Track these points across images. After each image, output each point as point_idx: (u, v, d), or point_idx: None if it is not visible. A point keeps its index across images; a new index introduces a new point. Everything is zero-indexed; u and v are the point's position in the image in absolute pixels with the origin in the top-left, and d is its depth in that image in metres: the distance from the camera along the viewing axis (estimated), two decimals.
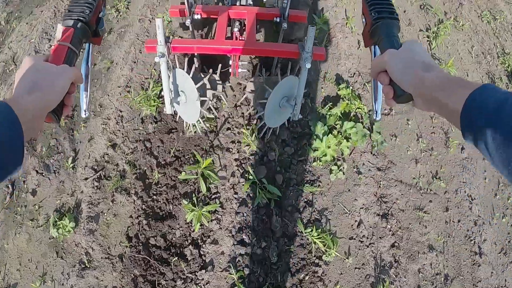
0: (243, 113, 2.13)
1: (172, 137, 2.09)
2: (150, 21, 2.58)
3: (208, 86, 1.73)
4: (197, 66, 1.81)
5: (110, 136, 2.13)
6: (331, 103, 2.24)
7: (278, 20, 1.61)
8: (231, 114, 2.15)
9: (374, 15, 0.87)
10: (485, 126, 0.51)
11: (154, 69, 2.35)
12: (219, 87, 1.79)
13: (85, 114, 0.94)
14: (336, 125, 2.13)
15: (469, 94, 0.54)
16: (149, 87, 2.23)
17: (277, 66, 1.89)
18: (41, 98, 0.61)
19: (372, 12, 0.88)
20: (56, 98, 0.65)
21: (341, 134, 2.08)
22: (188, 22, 1.58)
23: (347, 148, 2.07)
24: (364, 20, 0.95)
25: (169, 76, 1.42)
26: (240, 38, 1.74)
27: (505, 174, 0.51)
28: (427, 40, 2.87)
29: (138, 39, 2.48)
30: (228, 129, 2.10)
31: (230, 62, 1.56)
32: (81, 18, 0.84)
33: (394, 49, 0.74)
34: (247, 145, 2.01)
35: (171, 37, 1.42)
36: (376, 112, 0.97)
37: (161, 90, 2.20)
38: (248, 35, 1.50)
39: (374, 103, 0.96)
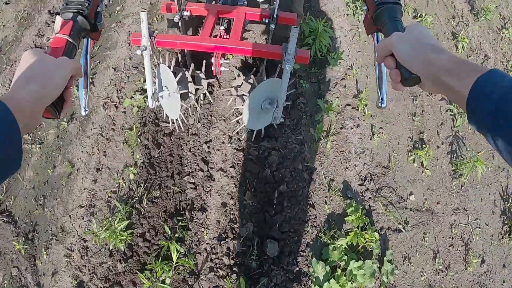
0: (228, 248, 1.72)
1: (147, 276, 1.70)
2: (117, 107, 2.03)
3: (189, 79, 1.63)
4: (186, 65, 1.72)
5: (75, 273, 1.72)
6: (335, 228, 1.81)
7: (267, 21, 1.55)
8: (214, 248, 1.73)
9: (377, 1, 0.83)
10: (490, 112, 0.47)
11: (122, 178, 1.88)
12: (204, 83, 1.72)
13: (85, 111, 0.89)
14: (340, 261, 1.72)
15: (477, 78, 0.50)
16: (116, 213, 1.76)
17: (263, 68, 1.73)
18: (38, 90, 0.57)
19: None
20: (54, 91, 0.61)
21: (345, 276, 1.69)
22: (177, 19, 1.53)
23: None
24: (366, 7, 0.89)
25: (152, 70, 1.39)
26: (225, 37, 1.67)
27: (509, 161, 0.48)
28: (451, 115, 2.33)
29: (102, 135, 1.96)
30: (211, 270, 1.70)
31: (212, 60, 1.50)
32: (80, 11, 0.81)
33: (400, 32, 0.70)
34: None
35: (155, 31, 1.35)
36: (382, 99, 0.91)
37: (130, 220, 1.77)
38: (233, 34, 1.45)
39: (379, 91, 0.89)
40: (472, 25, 2.84)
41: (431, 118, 2.26)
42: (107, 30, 2.37)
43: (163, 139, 1.93)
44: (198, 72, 1.67)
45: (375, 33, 0.88)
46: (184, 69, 1.58)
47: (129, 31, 2.31)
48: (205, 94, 1.77)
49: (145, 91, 2.08)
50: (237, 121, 1.89)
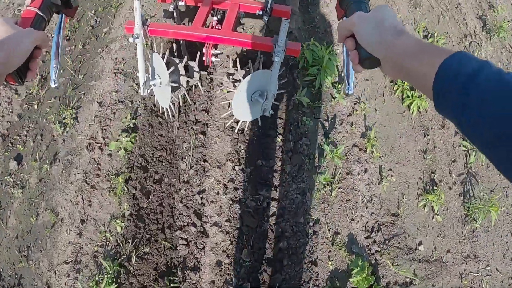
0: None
1: None
2: (102, 149, 1.77)
3: (182, 72, 1.58)
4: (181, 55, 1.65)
5: None
6: (339, 287, 1.60)
7: (260, 13, 1.50)
8: None
9: None
10: (458, 94, 0.43)
11: (109, 231, 1.65)
12: (196, 74, 1.66)
13: (54, 84, 0.87)
14: None
15: (443, 61, 0.46)
16: (103, 270, 1.52)
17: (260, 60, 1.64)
18: (2, 58, 0.58)
19: None
20: (17, 59, 0.61)
21: None
22: (171, 8, 1.49)
23: None
24: None
25: (144, 58, 1.34)
26: (217, 28, 1.59)
27: (476, 145, 0.44)
28: (464, 151, 2.06)
29: (87, 182, 1.70)
30: None
31: (204, 50, 1.42)
32: None
33: (363, 12, 0.65)
34: None
35: (148, 20, 1.31)
36: (348, 86, 0.84)
37: (118, 282, 1.55)
38: (225, 24, 1.40)
39: (346, 77, 0.83)
40: (485, 44, 2.52)
41: (444, 155, 2.00)
42: (92, 55, 2.07)
43: (152, 187, 1.69)
44: (192, 63, 1.61)
45: (343, 18, 0.82)
46: (177, 60, 1.53)
47: (116, 58, 2.01)
48: (196, 85, 1.73)
49: (132, 130, 1.81)
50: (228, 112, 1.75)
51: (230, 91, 1.62)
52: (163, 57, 1.43)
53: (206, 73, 1.86)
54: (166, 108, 1.65)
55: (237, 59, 1.58)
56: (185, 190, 1.66)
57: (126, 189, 1.67)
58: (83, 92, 1.95)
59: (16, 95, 2.02)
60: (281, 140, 1.76)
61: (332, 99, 1.91)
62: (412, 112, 2.03)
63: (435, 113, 2.11)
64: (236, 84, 1.55)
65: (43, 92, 2.01)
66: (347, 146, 1.80)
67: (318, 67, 1.89)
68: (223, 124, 1.75)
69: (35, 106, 1.98)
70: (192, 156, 1.71)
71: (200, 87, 1.79)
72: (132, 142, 1.74)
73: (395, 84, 2.09)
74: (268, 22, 1.56)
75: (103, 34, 2.15)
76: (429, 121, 2.07)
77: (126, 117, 1.82)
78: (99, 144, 1.76)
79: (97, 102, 1.87)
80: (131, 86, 1.91)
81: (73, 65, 2.05)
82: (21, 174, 1.82)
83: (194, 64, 1.62)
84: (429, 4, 2.63)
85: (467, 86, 0.42)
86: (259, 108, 1.45)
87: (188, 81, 1.62)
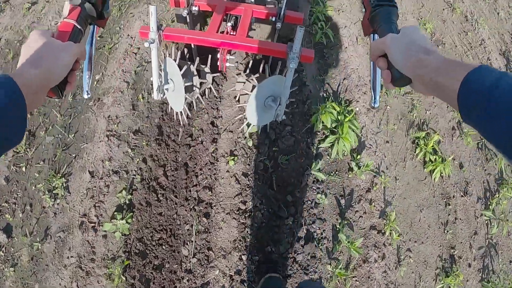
0: None
1: None
2: (96, 230, 1.51)
3: (194, 73, 1.51)
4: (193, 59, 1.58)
5: None
6: None
7: (273, 19, 1.45)
8: None
9: (373, 2, 0.77)
10: (480, 103, 0.45)
11: None
12: (209, 77, 1.60)
13: (87, 95, 0.85)
14: None
15: (466, 74, 0.48)
16: None
17: (268, 65, 1.56)
18: (45, 73, 0.55)
19: (371, 0, 0.77)
20: (60, 74, 0.59)
21: None
22: (185, 13, 1.45)
23: None
24: (364, 9, 0.83)
25: (159, 63, 1.29)
26: (231, 33, 1.53)
27: (497, 149, 0.45)
28: (486, 220, 1.81)
29: (81, 268, 1.48)
30: None
31: (218, 55, 1.40)
32: None
33: (394, 34, 0.65)
34: None
35: (163, 24, 1.29)
36: (375, 99, 0.83)
37: None
38: (240, 31, 1.37)
39: (372, 90, 0.82)
40: None
41: (464, 227, 1.77)
42: (84, 109, 1.76)
43: (152, 274, 1.47)
44: (203, 66, 1.55)
45: (372, 34, 0.81)
46: (189, 62, 1.47)
47: (109, 116, 1.70)
48: (210, 88, 1.66)
49: (128, 207, 1.56)
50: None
51: (246, 82, 1.53)
52: (175, 60, 1.36)
53: (218, 74, 1.77)
54: (180, 112, 1.58)
55: (263, 62, 1.49)
56: (188, 280, 1.45)
57: (124, 278, 1.46)
58: (73, 155, 1.67)
59: (3, 155, 1.74)
60: (292, 222, 1.52)
61: (349, 170, 1.64)
62: (434, 179, 1.77)
63: (458, 179, 1.85)
64: (253, 80, 1.48)
65: (31, 152, 1.73)
66: (364, 228, 1.56)
67: (336, 136, 1.60)
68: (229, 205, 1.50)
69: (23, 168, 1.71)
70: (195, 242, 1.48)
71: (213, 89, 1.72)
72: (128, 222, 1.50)
73: (417, 146, 1.80)
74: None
75: (95, 82, 1.82)
76: (451, 188, 1.81)
77: (121, 192, 1.56)
78: (93, 224, 1.52)
79: (89, 171, 1.60)
80: (125, 152, 1.63)
81: (63, 121, 1.75)
82: (12, 249, 1.60)
83: (206, 69, 1.55)
84: (451, 41, 2.26)
85: (489, 95, 0.43)
86: (271, 113, 1.40)
87: (201, 83, 1.56)
